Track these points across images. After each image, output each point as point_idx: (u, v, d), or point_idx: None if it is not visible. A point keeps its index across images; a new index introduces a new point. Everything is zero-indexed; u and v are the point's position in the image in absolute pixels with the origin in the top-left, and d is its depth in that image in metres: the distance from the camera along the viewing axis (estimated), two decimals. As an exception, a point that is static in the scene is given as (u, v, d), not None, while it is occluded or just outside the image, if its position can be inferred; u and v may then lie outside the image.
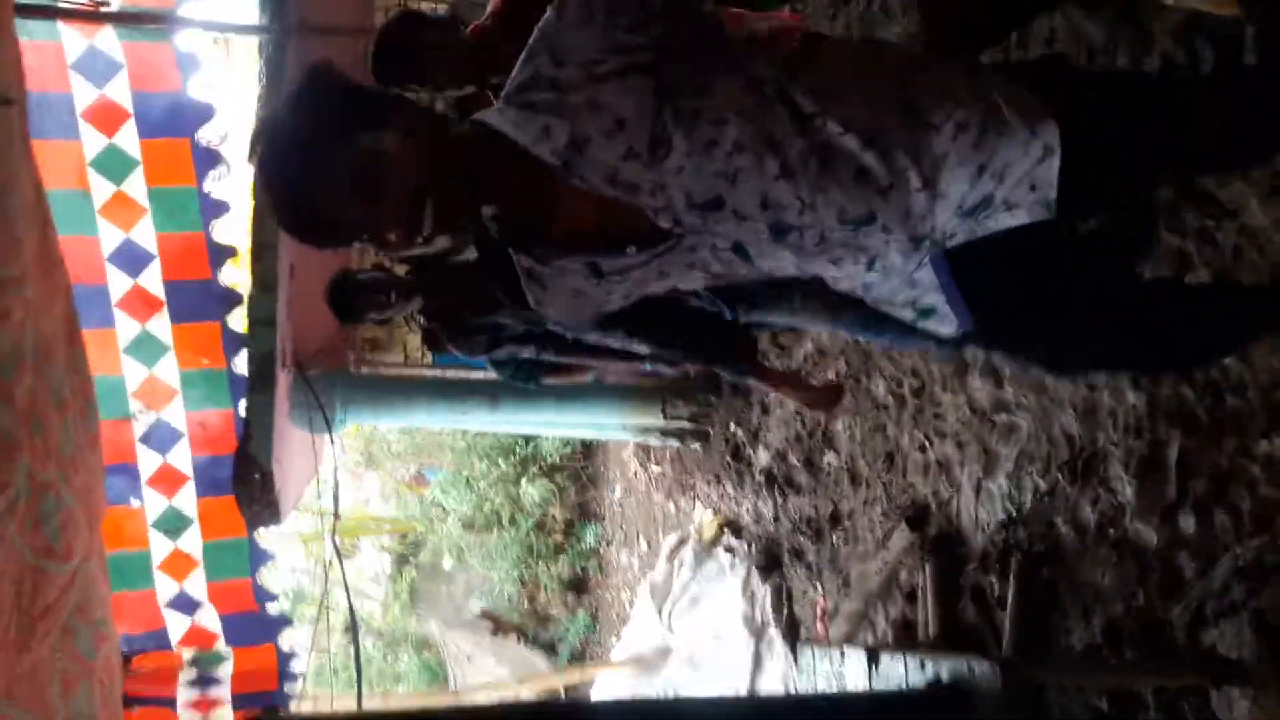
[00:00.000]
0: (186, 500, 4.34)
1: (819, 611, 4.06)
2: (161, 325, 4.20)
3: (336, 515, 5.04)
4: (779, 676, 4.37)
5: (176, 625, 4.34)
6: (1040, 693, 1.99)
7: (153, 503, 4.25)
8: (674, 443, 5.62)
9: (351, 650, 4.15)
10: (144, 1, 3.70)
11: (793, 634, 4.33)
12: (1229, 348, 1.77)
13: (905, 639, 3.23)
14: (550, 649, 9.17)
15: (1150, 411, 2.18)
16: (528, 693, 7.51)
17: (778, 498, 4.57)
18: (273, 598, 4.52)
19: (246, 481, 4.36)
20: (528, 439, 8.86)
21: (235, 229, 4.44)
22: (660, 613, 5.75)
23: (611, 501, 8.26)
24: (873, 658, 2.12)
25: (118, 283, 4.09)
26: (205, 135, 4.06)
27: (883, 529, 3.53)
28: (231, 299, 4.31)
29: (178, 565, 4.32)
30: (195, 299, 4.22)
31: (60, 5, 3.57)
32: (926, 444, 3.28)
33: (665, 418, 5.36)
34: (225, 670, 4.49)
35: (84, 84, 3.77)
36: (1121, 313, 1.51)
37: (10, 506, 1.64)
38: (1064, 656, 2.40)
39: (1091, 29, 2.45)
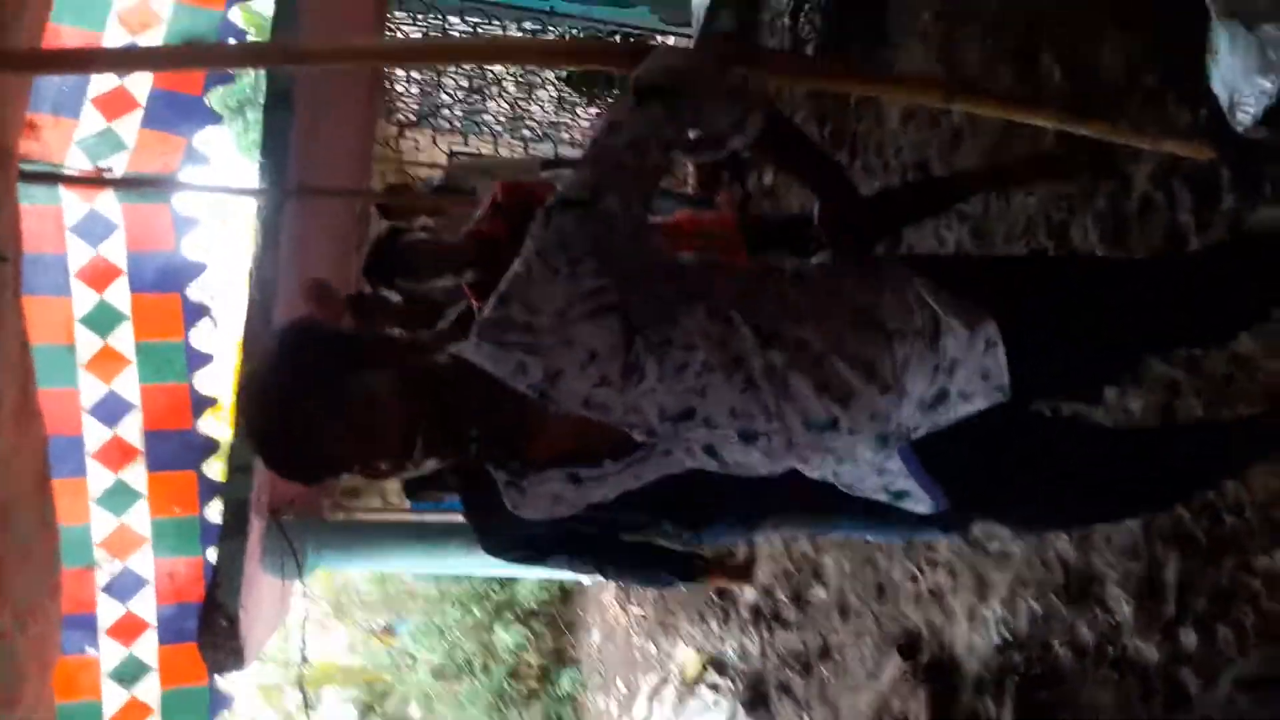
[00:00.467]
0: (146, 648, 4.25)
1: (812, 749, 4.00)
2: (137, 474, 4.20)
3: (304, 658, 4.92)
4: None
5: (131, 775, 4.18)
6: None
7: (109, 652, 4.16)
8: (656, 583, 5.58)
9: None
10: (146, 166, 3.83)
11: (784, 772, 4.24)
12: (1215, 483, 1.88)
13: (903, 771, 3.20)
14: (525, 802, 8.80)
15: (1146, 534, 2.25)
16: None
17: (764, 633, 4.55)
18: (231, 748, 4.36)
19: (212, 629, 4.29)
20: (503, 584, 8.72)
21: (218, 379, 4.49)
22: (643, 758, 5.59)
23: (589, 645, 8.09)
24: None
25: (94, 434, 4.11)
26: (195, 291, 4.16)
27: (874, 660, 3.53)
28: (209, 447, 4.33)
29: (133, 716, 4.18)
30: (174, 448, 4.23)
31: (63, 171, 3.69)
32: (918, 574, 3.33)
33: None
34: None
35: (80, 245, 3.88)
36: (1095, 470, 1.63)
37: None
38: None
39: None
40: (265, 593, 4.85)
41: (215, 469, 4.38)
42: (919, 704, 3.11)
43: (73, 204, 3.74)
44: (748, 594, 4.71)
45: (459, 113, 6.94)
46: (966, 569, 3.05)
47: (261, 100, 4.05)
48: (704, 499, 2.36)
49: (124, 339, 4.05)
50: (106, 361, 4.05)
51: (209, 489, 4.32)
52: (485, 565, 5.57)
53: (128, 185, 3.63)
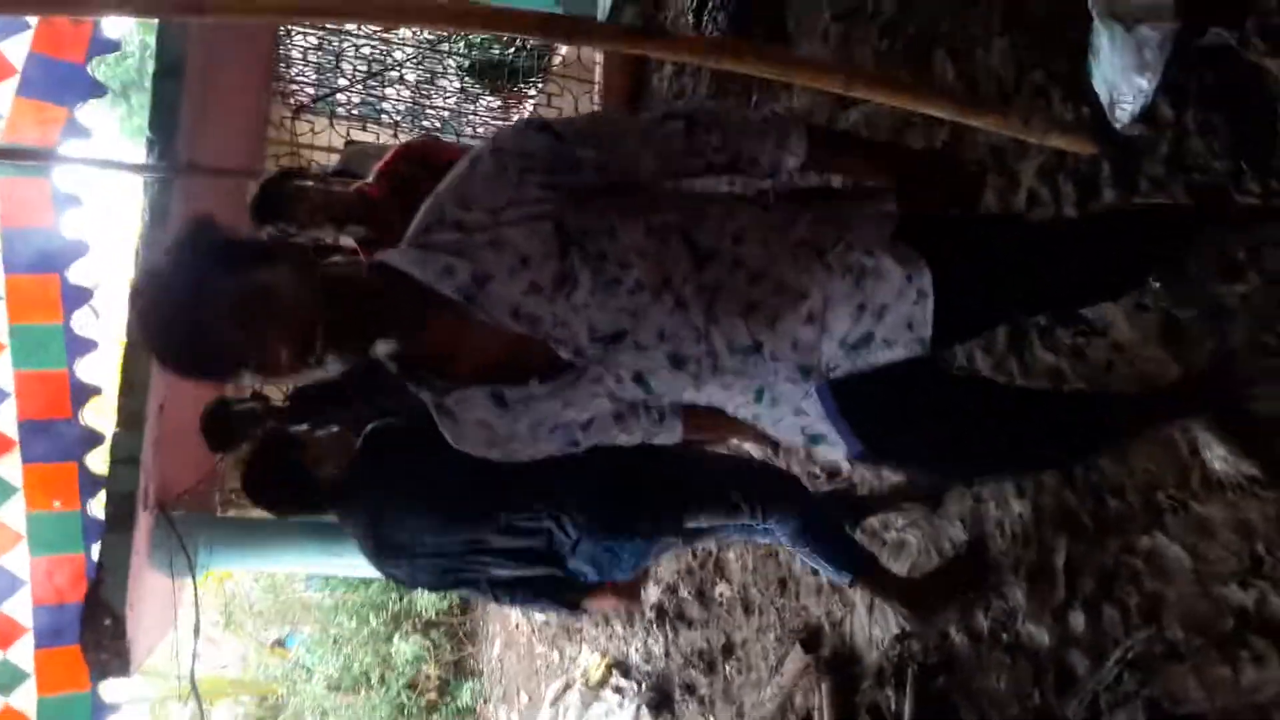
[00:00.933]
0: (22, 653, 4.04)
1: (714, 748, 3.98)
2: (11, 466, 4.00)
3: (195, 657, 4.71)
4: (675, 822, 4.22)
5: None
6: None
7: (-16, 654, 3.95)
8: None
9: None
10: (22, 137, 3.64)
11: (687, 773, 4.21)
12: (1098, 446, 1.92)
13: (805, 766, 3.20)
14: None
15: (1036, 519, 2.30)
16: None
17: (669, 633, 4.52)
18: (116, 762, 4.17)
19: (96, 628, 4.08)
20: (401, 593, 8.52)
21: (101, 368, 4.29)
22: (545, 764, 5.51)
23: (490, 656, 7.96)
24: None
25: (-38, 426, 3.88)
26: (76, 273, 3.97)
27: (776, 655, 3.53)
28: (92, 439, 4.14)
29: (9, 725, 3.98)
30: (52, 439, 4.04)
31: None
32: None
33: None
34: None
35: (-52, 226, 3.66)
36: (996, 422, 1.64)
37: None
38: (966, 766, 2.43)
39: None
40: (153, 592, 4.63)
41: (99, 462, 4.18)
42: (821, 696, 3.12)
43: (-60, 178, 3.54)
44: (650, 594, 4.68)
45: (357, 99, 6.81)
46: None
47: (147, 84, 3.89)
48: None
49: (-3, 321, 3.84)
50: (-25, 345, 3.84)
51: (91, 482, 4.14)
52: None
53: (2, 157, 3.44)
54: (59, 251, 3.90)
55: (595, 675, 5.27)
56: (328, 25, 6.10)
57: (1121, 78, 2.04)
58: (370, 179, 3.17)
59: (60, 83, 3.61)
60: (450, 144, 3.41)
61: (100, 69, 3.77)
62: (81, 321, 4.02)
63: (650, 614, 4.70)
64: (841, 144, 1.52)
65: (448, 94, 6.82)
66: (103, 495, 4.10)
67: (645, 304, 1.30)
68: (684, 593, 4.38)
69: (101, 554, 3.99)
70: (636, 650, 4.93)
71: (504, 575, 2.55)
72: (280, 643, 10.34)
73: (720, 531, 2.82)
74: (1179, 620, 1.90)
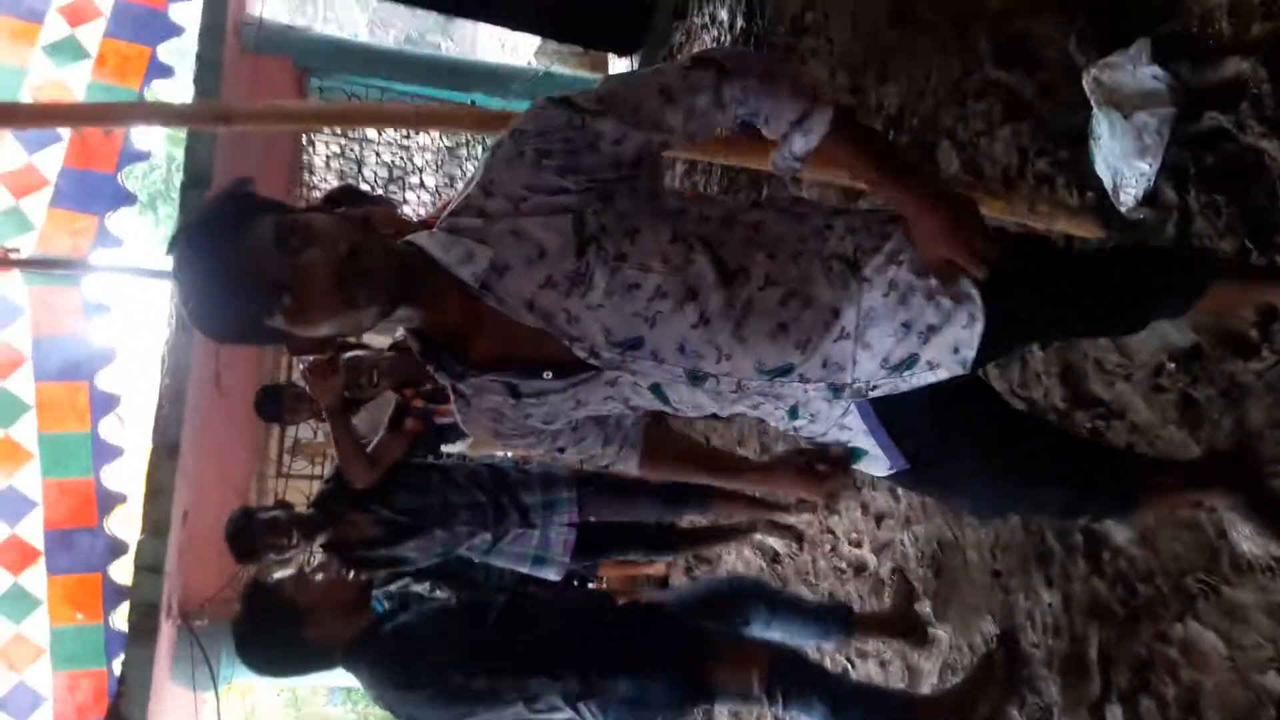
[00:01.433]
0: (42, 772, 3.94)
1: None
2: (36, 578, 3.97)
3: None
4: None
5: None
6: None
7: (2, 777, 3.86)
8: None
9: None
10: (55, 247, 3.74)
11: None
12: (1127, 497, 1.79)
13: None
14: None
15: (1066, 608, 2.24)
16: None
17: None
18: None
19: (115, 744, 4.01)
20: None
21: (127, 475, 4.31)
22: None
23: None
24: None
25: (-8, 533, 3.88)
26: (104, 380, 4.02)
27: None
28: (117, 549, 4.12)
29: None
30: (77, 549, 4.02)
31: (-35, 252, 3.58)
32: (849, 666, 3.26)
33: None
34: None
35: (-18, 330, 3.73)
36: (1036, 441, 1.62)
37: None
38: None
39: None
40: (175, 706, 4.58)
41: (123, 572, 4.17)
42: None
43: (-26, 287, 3.63)
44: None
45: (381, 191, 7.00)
46: (896, 658, 3.00)
47: (175, 194, 4.01)
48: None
49: (26, 431, 3.86)
50: (7, 455, 3.86)
51: (115, 593, 4.09)
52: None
53: (36, 266, 3.53)
54: (87, 359, 3.94)
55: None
56: (349, 133, 6.30)
57: (1123, 163, 2.07)
58: None
59: (91, 192, 3.72)
60: None
61: (129, 179, 3.89)
62: (108, 428, 4.05)
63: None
64: (863, 149, 1.32)
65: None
66: (125, 607, 4.07)
67: (665, 313, 1.26)
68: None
69: (124, 668, 3.94)
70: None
71: None
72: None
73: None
74: (1218, 711, 1.83)
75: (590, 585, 4.43)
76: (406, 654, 2.37)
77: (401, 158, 6.43)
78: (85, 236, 3.73)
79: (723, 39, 4.97)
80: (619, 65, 4.39)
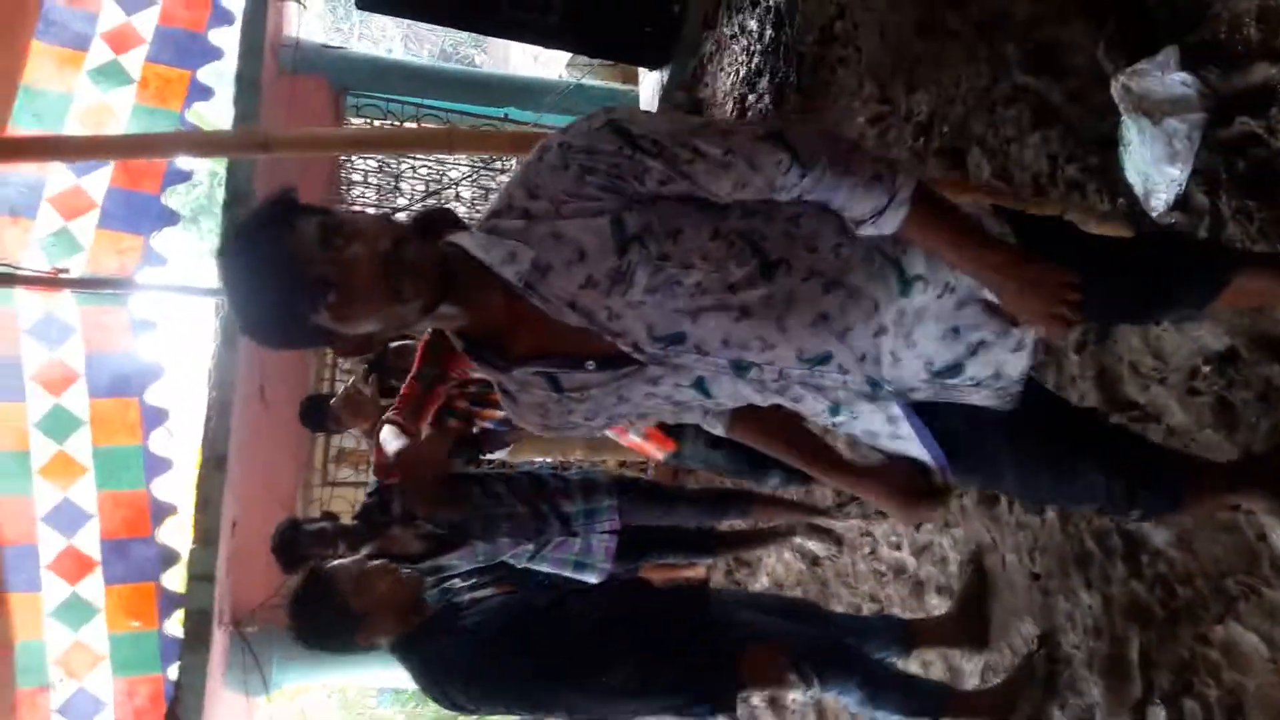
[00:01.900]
0: (102, 780, 4.05)
1: None
2: (94, 587, 4.08)
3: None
4: None
5: None
6: None
7: (66, 780, 3.97)
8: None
9: None
10: (103, 267, 3.84)
11: None
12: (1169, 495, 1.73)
13: None
14: None
15: (1106, 610, 2.25)
16: None
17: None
18: None
19: (173, 749, 4.11)
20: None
21: (177, 486, 4.42)
22: None
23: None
24: None
25: (50, 544, 4.00)
26: (153, 395, 4.13)
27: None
28: (169, 558, 4.22)
29: (86, 847, 3.97)
30: (132, 559, 4.12)
31: (20, 272, 3.69)
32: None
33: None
34: None
35: (36, 347, 3.84)
36: (1078, 445, 1.58)
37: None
38: None
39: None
40: (228, 711, 4.69)
41: (176, 580, 4.28)
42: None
43: (28, 306, 3.72)
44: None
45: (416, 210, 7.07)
46: (938, 658, 3.01)
47: (217, 210, 4.10)
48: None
49: (81, 445, 3.98)
50: (62, 468, 3.98)
51: (169, 601, 4.19)
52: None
53: (86, 286, 3.63)
54: (137, 375, 4.04)
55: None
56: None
57: (1153, 168, 2.08)
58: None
59: (136, 213, 3.82)
60: None
61: (172, 198, 3.98)
62: (159, 442, 4.15)
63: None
64: (940, 232, 1.29)
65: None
66: (179, 614, 4.17)
67: (706, 307, 1.27)
68: (756, 700, 4.30)
69: (179, 674, 4.05)
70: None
71: None
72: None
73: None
74: (1261, 712, 1.84)
75: None
76: (477, 648, 2.46)
77: (438, 171, 6.50)
78: (132, 256, 3.82)
79: (752, 48, 4.99)
80: (650, 78, 4.42)
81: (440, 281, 1.27)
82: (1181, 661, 2.03)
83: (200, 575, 4.24)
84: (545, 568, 3.41)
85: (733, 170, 1.24)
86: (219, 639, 4.39)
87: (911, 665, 3.13)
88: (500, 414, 3.29)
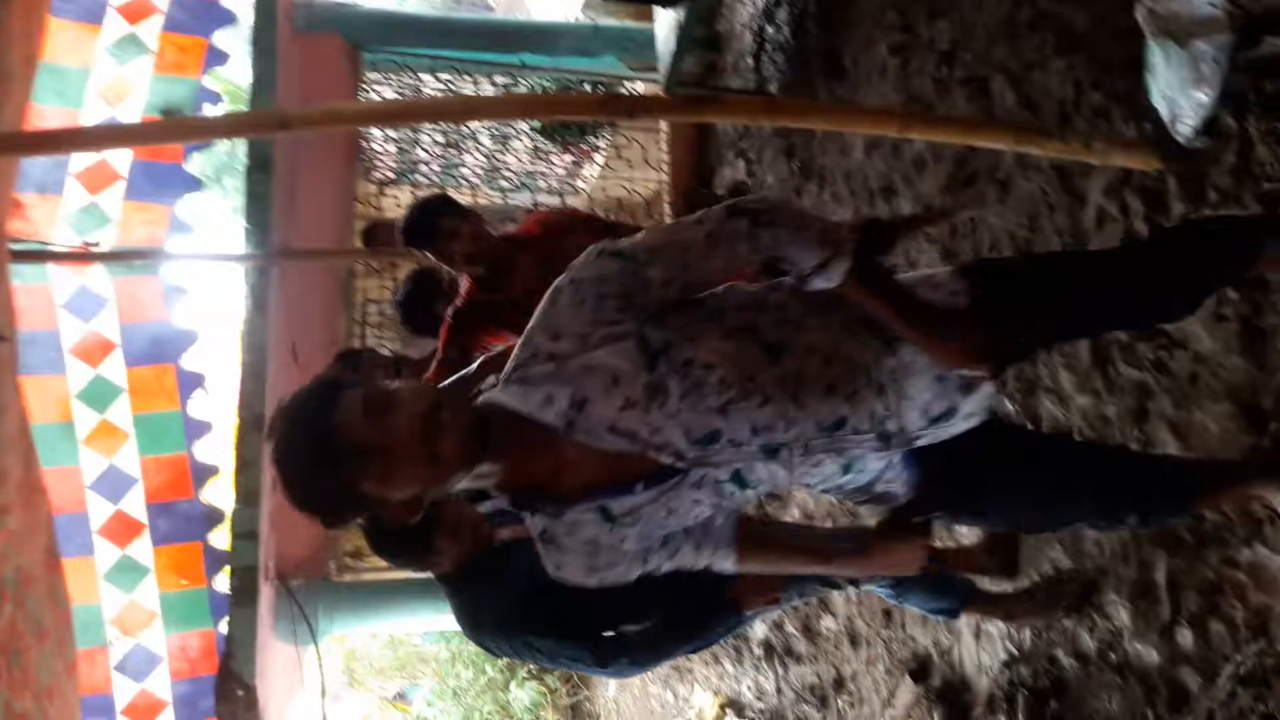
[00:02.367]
0: (165, 729, 4.21)
1: (833, 783, 3.96)
2: (143, 549, 4.20)
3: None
4: None
5: None
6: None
7: (129, 733, 4.13)
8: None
9: None
10: (132, 238, 3.89)
11: (808, 811, 4.19)
12: (1173, 508, 1.86)
13: (924, 798, 3.17)
14: None
15: (1133, 535, 2.28)
16: None
17: (778, 669, 4.52)
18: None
19: (229, 699, 4.24)
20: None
21: (217, 448, 4.51)
22: (667, 808, 5.52)
23: (606, 699, 7.99)
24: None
25: (98, 509, 4.12)
26: (189, 360, 4.20)
27: (887, 686, 3.51)
28: (213, 517, 4.33)
29: (153, 800, 4.15)
30: (177, 520, 4.23)
31: (52, 249, 3.75)
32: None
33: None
34: None
35: (72, 320, 3.92)
36: (1074, 475, 1.70)
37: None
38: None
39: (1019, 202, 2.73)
40: (280, 661, 4.83)
41: (221, 539, 4.39)
42: (934, 728, 3.10)
43: (62, 280, 3.79)
44: (758, 630, 4.69)
45: (436, 168, 7.10)
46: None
47: (239, 166, 4.12)
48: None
49: (121, 413, 4.08)
50: (105, 436, 4.08)
51: (215, 559, 4.32)
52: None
53: (117, 258, 3.69)
54: (172, 341, 4.12)
55: (710, 715, 5.27)
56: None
57: (1180, 93, 2.05)
58: (520, 229, 3.21)
59: (161, 183, 3.87)
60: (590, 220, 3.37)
61: (194, 164, 4.02)
62: (196, 405, 4.24)
63: (759, 650, 4.71)
64: (880, 293, 1.44)
65: (521, 154, 7.08)
66: (225, 571, 4.29)
67: (732, 400, 1.37)
68: (790, 628, 4.38)
69: (230, 628, 4.17)
70: (748, 688, 4.93)
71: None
72: (401, 696, 10.50)
73: (810, 591, 2.88)
74: (1289, 633, 1.87)
75: None
76: (512, 601, 2.54)
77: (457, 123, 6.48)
78: (160, 225, 3.88)
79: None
80: (666, 15, 4.38)
81: (477, 439, 1.32)
82: (1208, 584, 2.06)
83: (244, 534, 4.35)
84: None
85: (716, 248, 1.38)
86: (265, 593, 4.51)
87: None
88: None
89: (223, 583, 4.33)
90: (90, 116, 3.50)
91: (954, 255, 3.11)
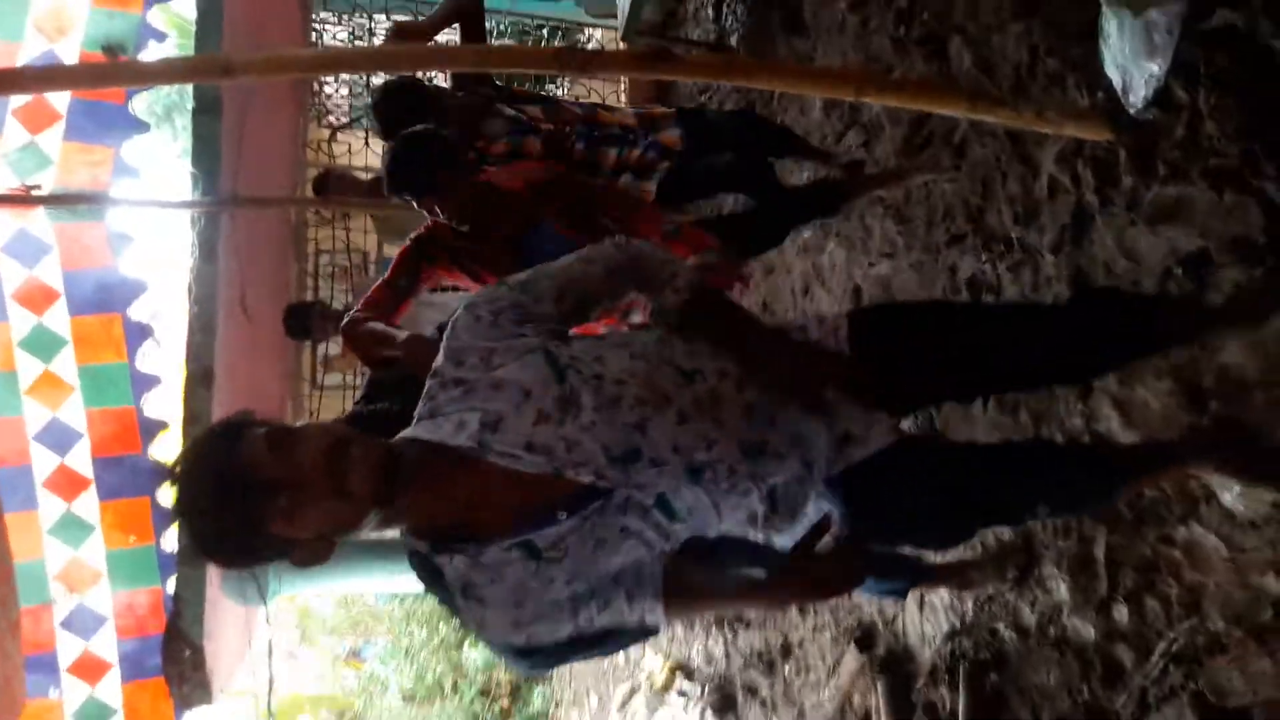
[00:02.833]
0: (110, 689, 4.15)
1: (778, 748, 3.99)
2: (88, 504, 4.12)
3: (272, 686, 4.85)
4: (744, 823, 4.24)
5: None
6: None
7: (73, 692, 4.06)
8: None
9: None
10: (74, 181, 3.77)
11: (753, 774, 4.23)
12: (1100, 497, 1.90)
13: (865, 765, 3.19)
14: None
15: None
16: None
17: (727, 635, 4.54)
18: (201, 789, 4.29)
19: (177, 659, 4.20)
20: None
21: (167, 402, 4.43)
22: (617, 768, 5.57)
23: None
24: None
25: (43, 462, 4.03)
26: (137, 310, 4.10)
27: (833, 655, 3.53)
28: (162, 473, 4.24)
29: (99, 761, 4.10)
30: (124, 475, 4.16)
31: (-11, 191, 3.62)
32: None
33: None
34: None
35: (14, 266, 3.79)
36: (996, 480, 1.67)
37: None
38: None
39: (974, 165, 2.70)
40: (229, 621, 4.79)
41: (169, 495, 4.31)
42: (878, 697, 3.11)
43: (3, 223, 3.67)
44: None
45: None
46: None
47: (190, 105, 3.98)
48: None
49: (65, 364, 3.97)
50: (49, 388, 3.97)
51: (164, 516, 4.22)
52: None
53: (58, 202, 3.57)
54: (118, 290, 4.01)
55: (660, 679, 5.30)
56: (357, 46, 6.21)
57: (1132, 63, 2.02)
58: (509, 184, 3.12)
59: (103, 124, 3.71)
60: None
61: (140, 104, 3.87)
62: (145, 358, 4.14)
63: (708, 617, 4.72)
64: (709, 322, 1.51)
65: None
66: (174, 529, 4.22)
67: (650, 417, 1.35)
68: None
69: (177, 587, 4.12)
70: (698, 652, 4.95)
71: None
72: (355, 654, 10.54)
73: None
74: (1219, 611, 1.87)
75: None
76: None
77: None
78: (103, 168, 3.75)
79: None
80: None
81: (388, 474, 1.26)
82: (1145, 560, 2.06)
83: (192, 491, 4.27)
84: None
85: (581, 284, 1.49)
86: (215, 551, 4.45)
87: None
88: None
89: (171, 540, 4.26)
90: (29, 49, 3.36)
91: (908, 221, 3.08)
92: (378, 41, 6.05)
